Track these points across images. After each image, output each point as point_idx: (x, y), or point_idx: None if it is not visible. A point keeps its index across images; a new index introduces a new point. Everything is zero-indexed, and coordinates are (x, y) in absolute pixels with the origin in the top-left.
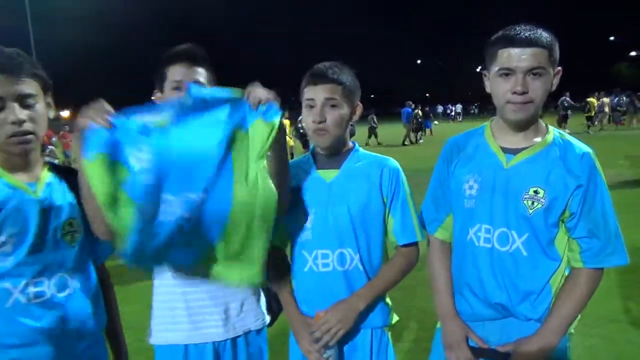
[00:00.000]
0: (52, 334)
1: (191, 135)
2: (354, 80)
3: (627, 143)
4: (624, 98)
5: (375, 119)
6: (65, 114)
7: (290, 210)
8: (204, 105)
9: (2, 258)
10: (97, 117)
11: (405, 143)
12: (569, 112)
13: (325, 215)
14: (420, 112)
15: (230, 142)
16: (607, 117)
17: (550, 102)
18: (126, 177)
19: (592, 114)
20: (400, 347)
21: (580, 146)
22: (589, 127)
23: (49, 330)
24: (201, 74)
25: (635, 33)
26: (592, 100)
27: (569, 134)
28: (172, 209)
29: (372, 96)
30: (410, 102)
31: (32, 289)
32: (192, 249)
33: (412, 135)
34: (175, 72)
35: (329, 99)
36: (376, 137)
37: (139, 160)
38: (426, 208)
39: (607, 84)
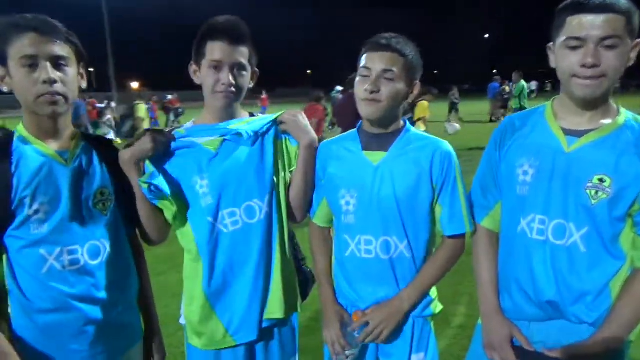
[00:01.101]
0: (86, 300)
1: (242, 152)
2: (417, 56)
3: None
4: None
5: (457, 95)
6: (135, 85)
7: (332, 192)
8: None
9: (37, 225)
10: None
11: (493, 119)
12: None
13: (369, 200)
14: (507, 87)
15: (275, 152)
16: None
17: (633, 81)
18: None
19: None
20: (446, 333)
21: None
22: None
23: (83, 296)
24: (243, 53)
25: None
26: None
27: None
28: (236, 218)
29: (435, 72)
30: (498, 77)
31: (66, 257)
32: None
33: (499, 112)
34: (214, 51)
35: (387, 70)
36: (457, 112)
37: (200, 185)
38: (474, 193)
39: None
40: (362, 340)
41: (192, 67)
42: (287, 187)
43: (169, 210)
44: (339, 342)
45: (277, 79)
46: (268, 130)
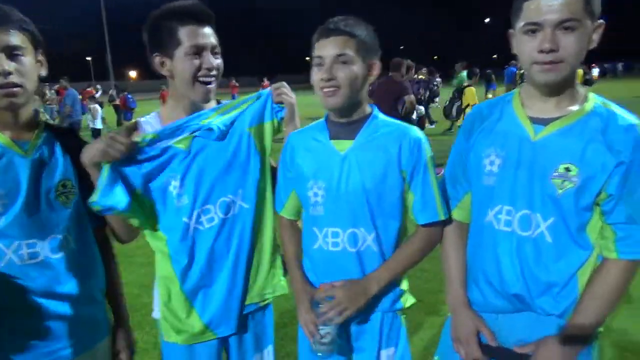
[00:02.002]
0: (47, 295)
1: (214, 148)
2: (371, 35)
3: None
4: None
5: (493, 77)
6: (133, 74)
7: (300, 183)
8: (224, 128)
9: None
10: (115, 154)
11: None
12: None
13: (337, 191)
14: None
15: (254, 142)
16: None
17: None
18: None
19: None
20: (435, 321)
21: (626, 117)
22: None
23: (44, 291)
24: (214, 35)
25: None
26: None
27: None
28: (211, 215)
29: (435, 57)
30: (515, 61)
31: (25, 250)
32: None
33: None
34: (192, 35)
35: (340, 54)
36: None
37: (174, 187)
38: (444, 184)
39: None
40: (326, 312)
41: (157, 59)
42: (273, 172)
43: (135, 217)
44: (312, 322)
45: (277, 66)
46: (243, 117)
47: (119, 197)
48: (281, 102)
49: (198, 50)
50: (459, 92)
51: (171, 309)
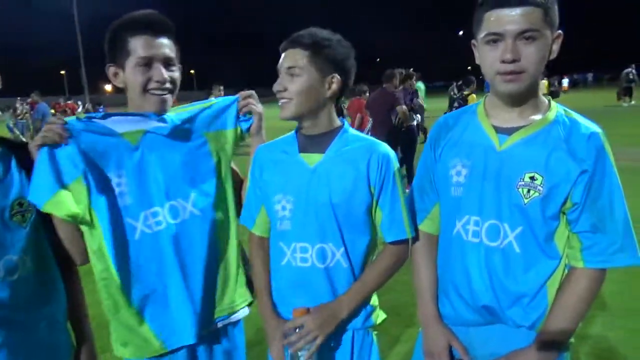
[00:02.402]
0: (3, 319)
1: (166, 146)
2: (332, 48)
3: None
4: None
5: (635, 74)
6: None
7: (269, 197)
8: (179, 124)
9: None
10: (54, 136)
11: None
12: (634, 85)
13: (306, 205)
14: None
15: (211, 148)
16: None
17: (607, 73)
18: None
19: None
20: (412, 334)
21: (588, 125)
22: None
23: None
24: (170, 46)
25: None
26: None
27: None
28: (159, 218)
29: (411, 69)
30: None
31: None
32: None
33: None
34: (141, 46)
35: (290, 67)
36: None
37: (118, 183)
38: (412, 196)
39: None
40: (296, 342)
41: (112, 70)
42: (238, 181)
43: (66, 209)
44: (283, 355)
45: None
46: (202, 120)
47: (50, 186)
48: (249, 112)
49: (148, 62)
50: (462, 101)
51: (119, 319)
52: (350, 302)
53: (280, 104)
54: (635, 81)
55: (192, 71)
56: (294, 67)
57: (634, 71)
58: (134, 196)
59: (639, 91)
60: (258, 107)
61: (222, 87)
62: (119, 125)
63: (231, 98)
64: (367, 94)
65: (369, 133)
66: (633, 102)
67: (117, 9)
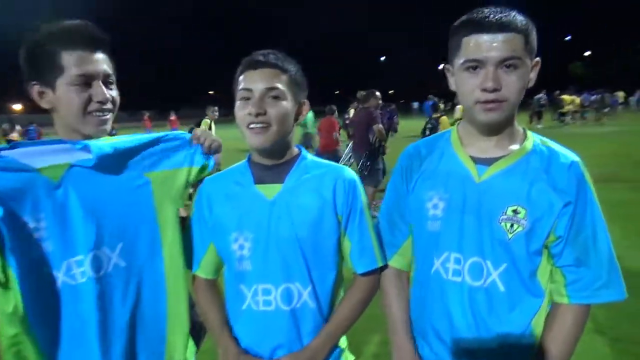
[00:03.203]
0: None
1: (96, 185)
2: (300, 72)
3: (595, 140)
4: (596, 96)
5: (545, 99)
6: (18, 107)
7: (222, 235)
8: (114, 158)
9: None
10: None
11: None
12: (544, 109)
13: (267, 242)
14: (442, 105)
15: (153, 190)
16: (575, 113)
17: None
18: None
19: (565, 110)
20: None
21: (567, 154)
22: (562, 121)
23: None
24: (106, 61)
25: (590, 34)
26: (565, 97)
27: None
28: (83, 269)
29: (336, 92)
30: (432, 95)
31: None
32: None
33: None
34: (77, 63)
35: (271, 88)
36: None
37: (36, 228)
38: (381, 229)
39: (564, 82)
40: None
41: (36, 88)
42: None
43: None
44: None
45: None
46: (145, 157)
47: None
48: (215, 151)
49: (87, 80)
50: (435, 122)
51: None
52: (325, 347)
53: (253, 128)
54: (545, 106)
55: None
56: (276, 88)
57: (544, 96)
58: (55, 242)
59: (547, 114)
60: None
61: (216, 108)
62: (36, 158)
63: (183, 134)
64: (336, 114)
65: (351, 153)
66: (540, 126)
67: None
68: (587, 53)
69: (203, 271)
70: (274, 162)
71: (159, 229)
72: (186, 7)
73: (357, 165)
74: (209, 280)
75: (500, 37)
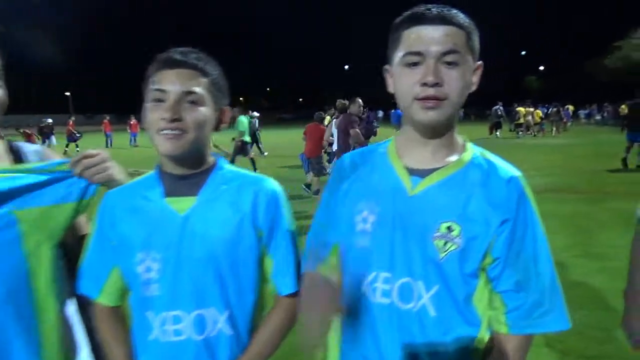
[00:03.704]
0: None
1: None
2: (222, 76)
3: (549, 151)
4: (552, 109)
5: (502, 110)
6: None
7: (126, 256)
8: None
9: None
10: None
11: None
12: (502, 120)
13: (177, 262)
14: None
15: (23, 228)
16: (535, 125)
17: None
18: None
19: (522, 122)
20: None
21: (506, 168)
22: (518, 132)
23: None
24: None
25: (544, 49)
26: (520, 109)
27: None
28: None
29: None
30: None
31: None
32: None
33: None
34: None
35: (189, 92)
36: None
37: None
38: (309, 242)
39: (519, 95)
40: None
41: None
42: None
43: None
44: None
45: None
46: (13, 192)
47: None
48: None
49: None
50: None
51: None
52: None
53: (165, 134)
54: (503, 117)
55: None
56: (194, 93)
57: (501, 108)
58: None
59: (506, 126)
60: (114, 171)
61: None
62: None
63: (61, 166)
64: (326, 121)
65: (335, 156)
66: (498, 135)
67: None
68: (541, 67)
69: (106, 298)
70: (187, 172)
71: (28, 271)
72: (146, 8)
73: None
74: (113, 309)
75: (441, 29)
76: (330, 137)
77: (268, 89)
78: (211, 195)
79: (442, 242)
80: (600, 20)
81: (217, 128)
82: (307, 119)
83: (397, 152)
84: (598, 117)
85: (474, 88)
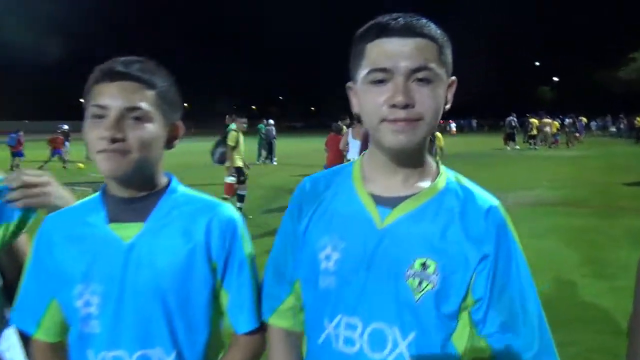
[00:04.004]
0: None
1: None
2: (173, 88)
3: (563, 164)
4: (567, 120)
5: (516, 121)
6: None
7: (64, 289)
8: None
9: None
10: None
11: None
12: (516, 131)
13: (119, 296)
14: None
15: None
16: (550, 136)
17: (487, 120)
18: None
19: (535, 133)
20: None
21: (484, 196)
22: (531, 144)
23: None
24: None
25: (558, 60)
26: (533, 120)
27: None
28: None
29: (253, 107)
30: None
31: None
32: None
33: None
34: None
35: (133, 108)
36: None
37: None
38: (266, 278)
39: (533, 106)
40: None
41: None
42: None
43: None
44: None
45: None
46: None
47: None
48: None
49: None
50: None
51: None
52: None
53: (106, 155)
54: (517, 128)
55: None
56: (138, 109)
57: (515, 119)
58: None
59: (519, 137)
60: (49, 198)
61: (245, 120)
62: None
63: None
64: (344, 131)
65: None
66: (517, 147)
67: None
68: (555, 78)
69: (44, 333)
70: (134, 194)
71: None
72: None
73: None
74: (52, 345)
75: (410, 42)
76: (346, 146)
77: (280, 97)
78: (160, 222)
79: (417, 281)
80: (613, 31)
81: (169, 146)
82: (318, 127)
83: (363, 177)
84: (613, 129)
85: (448, 107)
